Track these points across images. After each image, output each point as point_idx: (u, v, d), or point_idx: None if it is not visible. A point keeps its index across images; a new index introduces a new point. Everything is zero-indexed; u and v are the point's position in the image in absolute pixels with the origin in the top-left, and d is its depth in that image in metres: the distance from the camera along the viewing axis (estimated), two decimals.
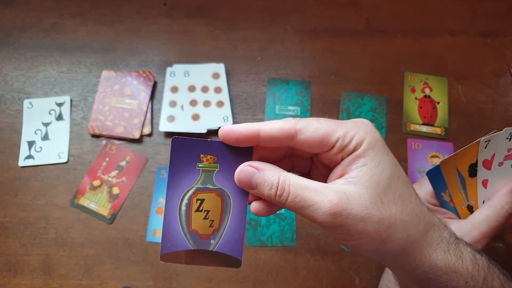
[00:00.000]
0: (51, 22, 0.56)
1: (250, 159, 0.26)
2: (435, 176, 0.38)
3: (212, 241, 0.27)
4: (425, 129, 0.52)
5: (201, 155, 0.26)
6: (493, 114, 0.53)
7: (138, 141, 0.50)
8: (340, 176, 0.25)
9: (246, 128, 0.25)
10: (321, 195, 0.23)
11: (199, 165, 0.27)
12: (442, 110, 0.53)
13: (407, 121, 0.52)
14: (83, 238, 0.46)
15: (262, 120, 0.51)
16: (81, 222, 0.47)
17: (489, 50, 0.56)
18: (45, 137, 0.50)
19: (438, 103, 0.53)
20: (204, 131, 0.49)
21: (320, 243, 0.46)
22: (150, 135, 0.50)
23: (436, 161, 0.50)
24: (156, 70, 0.54)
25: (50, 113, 0.51)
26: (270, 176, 0.25)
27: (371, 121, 0.51)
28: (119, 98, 0.51)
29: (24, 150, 0.49)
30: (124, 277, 0.45)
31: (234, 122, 0.50)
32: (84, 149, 0.50)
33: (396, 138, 0.52)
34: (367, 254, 0.25)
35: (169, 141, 0.50)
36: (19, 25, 0.56)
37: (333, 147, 0.25)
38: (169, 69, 0.52)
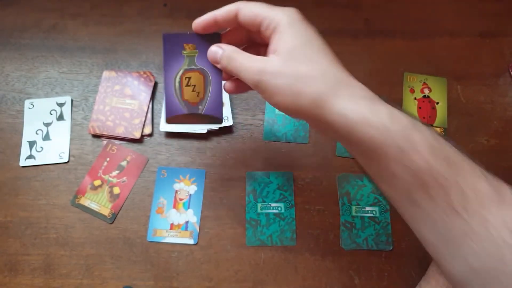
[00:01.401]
0: (52, 23, 0.56)
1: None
2: None
3: (200, 107, 0.37)
4: None
5: (184, 44, 0.36)
6: (492, 114, 0.53)
7: (139, 141, 0.50)
8: (270, 53, 0.32)
9: (207, 16, 0.34)
10: (251, 61, 0.31)
11: (184, 52, 0.36)
12: (441, 110, 0.53)
13: None
14: (84, 238, 0.46)
15: (262, 122, 0.51)
16: (81, 222, 0.47)
17: (488, 50, 0.57)
18: (46, 137, 0.50)
19: (437, 103, 0.53)
20: (205, 131, 0.49)
21: (320, 243, 0.46)
22: (150, 135, 0.51)
23: None
24: (156, 71, 0.54)
25: (51, 113, 0.51)
26: (227, 49, 0.33)
27: None
28: (120, 99, 0.51)
29: (25, 150, 0.49)
30: (125, 277, 0.45)
31: (234, 123, 0.50)
32: (85, 149, 0.50)
33: None
34: (289, 112, 0.31)
35: (169, 141, 0.50)
36: (20, 26, 0.56)
37: (261, 25, 0.32)
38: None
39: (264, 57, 0.31)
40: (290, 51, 0.30)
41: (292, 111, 0.31)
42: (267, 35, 0.32)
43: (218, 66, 0.34)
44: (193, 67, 0.36)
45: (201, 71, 0.36)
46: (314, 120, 0.30)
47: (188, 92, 0.37)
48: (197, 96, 0.37)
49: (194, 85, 0.37)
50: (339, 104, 0.28)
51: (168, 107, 0.37)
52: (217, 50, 0.34)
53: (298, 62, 0.30)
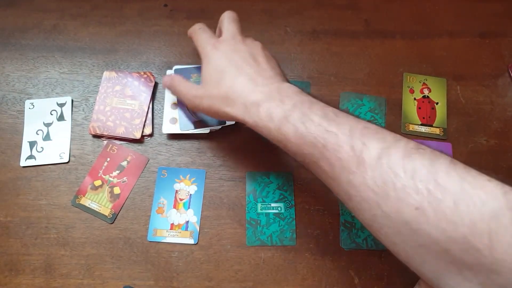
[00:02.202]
0: (52, 23, 0.57)
1: None
2: None
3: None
4: (424, 129, 0.52)
5: (191, 74, 0.52)
6: (492, 115, 0.53)
7: (139, 141, 0.50)
8: None
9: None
10: (188, 90, 0.43)
11: (191, 80, 0.51)
12: (440, 110, 0.53)
13: (406, 121, 0.53)
14: (84, 238, 0.46)
15: None
16: (82, 222, 0.47)
17: (488, 51, 0.57)
18: (47, 137, 0.50)
19: (437, 103, 0.54)
20: (207, 131, 0.49)
21: (320, 243, 0.47)
22: (151, 135, 0.51)
23: None
24: (157, 71, 0.54)
25: (51, 114, 0.51)
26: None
27: (371, 121, 0.52)
28: (120, 99, 0.51)
29: (25, 150, 0.49)
30: (125, 277, 0.45)
31: (235, 123, 0.50)
32: (86, 150, 0.50)
33: None
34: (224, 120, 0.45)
35: (170, 142, 0.51)
36: (21, 26, 0.56)
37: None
38: (169, 72, 0.53)
39: (196, 86, 0.42)
40: (206, 80, 0.41)
41: (219, 118, 0.42)
42: None
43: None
44: None
45: None
46: (235, 120, 0.40)
47: None
48: None
49: None
50: (238, 114, 0.38)
51: (181, 120, 0.49)
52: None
53: (212, 88, 0.40)
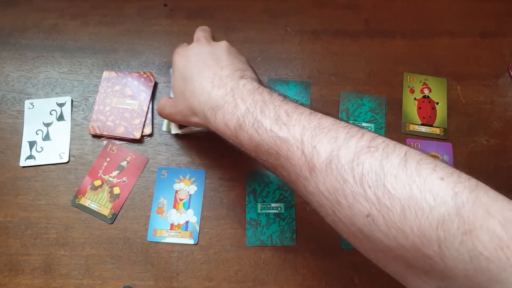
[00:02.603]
0: (52, 23, 0.56)
1: None
2: None
3: None
4: (424, 129, 0.52)
5: None
6: (492, 115, 0.53)
7: (139, 141, 0.50)
8: None
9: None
10: (165, 107, 0.44)
11: None
12: (441, 110, 0.53)
13: (406, 121, 0.52)
14: (84, 238, 0.46)
15: None
16: (82, 222, 0.47)
17: (488, 51, 0.57)
18: (46, 137, 0.50)
19: (437, 103, 0.53)
20: (207, 131, 0.49)
21: (320, 243, 0.47)
22: (150, 135, 0.51)
23: None
24: (157, 71, 0.54)
25: (51, 114, 0.51)
26: (159, 102, 0.46)
27: (371, 121, 0.52)
28: (120, 99, 0.51)
29: (25, 150, 0.49)
30: (125, 277, 0.45)
31: None
32: (85, 150, 0.50)
33: (395, 138, 0.51)
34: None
35: (169, 142, 0.51)
36: (20, 26, 0.56)
37: None
38: (171, 71, 0.53)
39: (170, 102, 0.43)
40: (175, 91, 0.41)
41: (193, 126, 0.44)
42: None
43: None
44: None
45: None
46: (203, 125, 0.39)
47: None
48: None
49: None
50: (203, 122, 0.38)
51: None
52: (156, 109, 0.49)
53: (179, 100, 0.40)
